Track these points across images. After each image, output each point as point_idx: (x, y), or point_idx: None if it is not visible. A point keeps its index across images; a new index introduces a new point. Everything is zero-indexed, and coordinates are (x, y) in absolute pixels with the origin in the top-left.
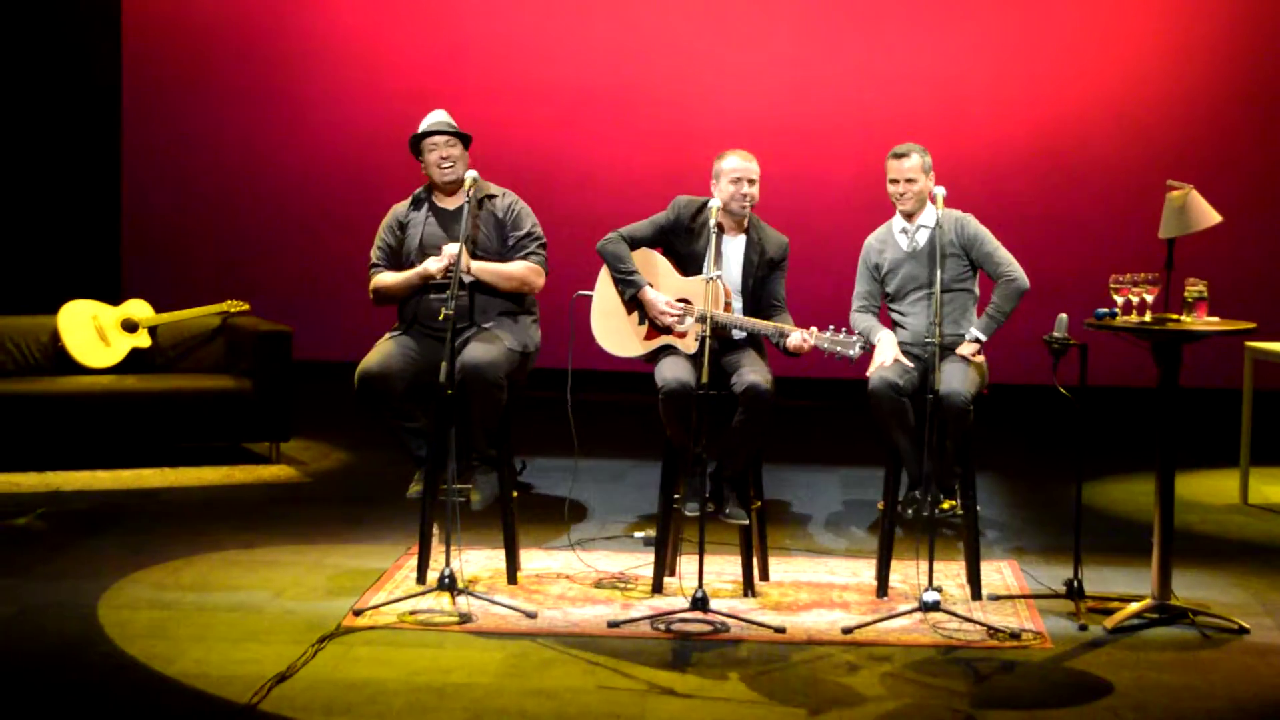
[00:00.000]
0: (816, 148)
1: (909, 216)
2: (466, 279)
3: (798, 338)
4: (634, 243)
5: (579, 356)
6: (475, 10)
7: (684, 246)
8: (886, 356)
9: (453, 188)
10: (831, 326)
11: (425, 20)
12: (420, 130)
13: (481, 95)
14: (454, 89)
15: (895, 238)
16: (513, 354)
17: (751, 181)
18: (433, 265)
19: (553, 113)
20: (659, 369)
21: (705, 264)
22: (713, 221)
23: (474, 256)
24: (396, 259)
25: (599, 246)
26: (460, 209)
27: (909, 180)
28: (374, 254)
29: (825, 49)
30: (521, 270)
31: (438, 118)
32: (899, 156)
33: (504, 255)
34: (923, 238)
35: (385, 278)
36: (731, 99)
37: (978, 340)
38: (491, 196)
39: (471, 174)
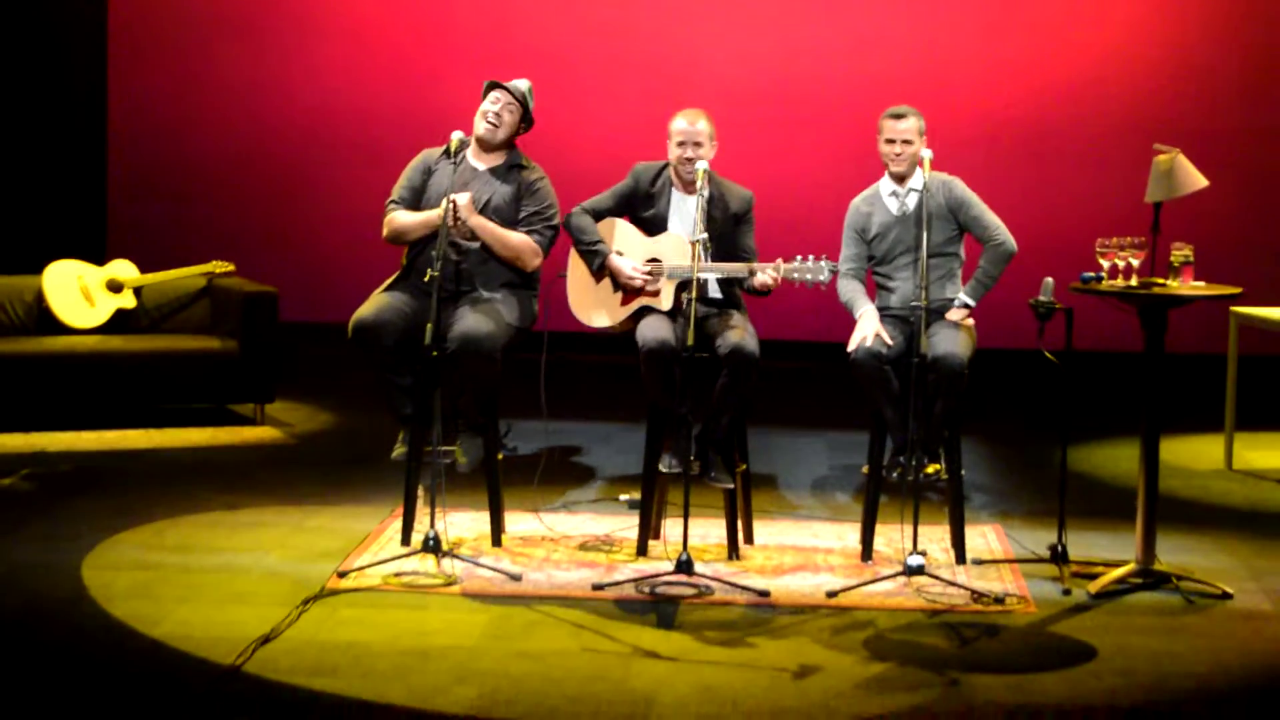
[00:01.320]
0: (803, 115)
1: (900, 179)
2: (463, 240)
3: (765, 274)
4: (598, 214)
5: (568, 318)
6: None
7: (645, 211)
8: (868, 331)
9: (488, 146)
10: (798, 256)
11: None
12: (500, 82)
13: (463, 61)
14: (437, 53)
15: (884, 201)
16: (511, 328)
17: (698, 144)
18: (435, 214)
19: (536, 78)
20: (639, 329)
21: (678, 225)
22: (700, 183)
23: (487, 218)
24: (417, 202)
25: (564, 221)
26: (490, 170)
27: (905, 141)
28: (395, 191)
29: (811, 16)
30: (519, 242)
31: (519, 83)
32: (896, 117)
33: (514, 227)
34: (913, 201)
35: (402, 217)
36: (717, 67)
37: (966, 305)
38: (523, 167)
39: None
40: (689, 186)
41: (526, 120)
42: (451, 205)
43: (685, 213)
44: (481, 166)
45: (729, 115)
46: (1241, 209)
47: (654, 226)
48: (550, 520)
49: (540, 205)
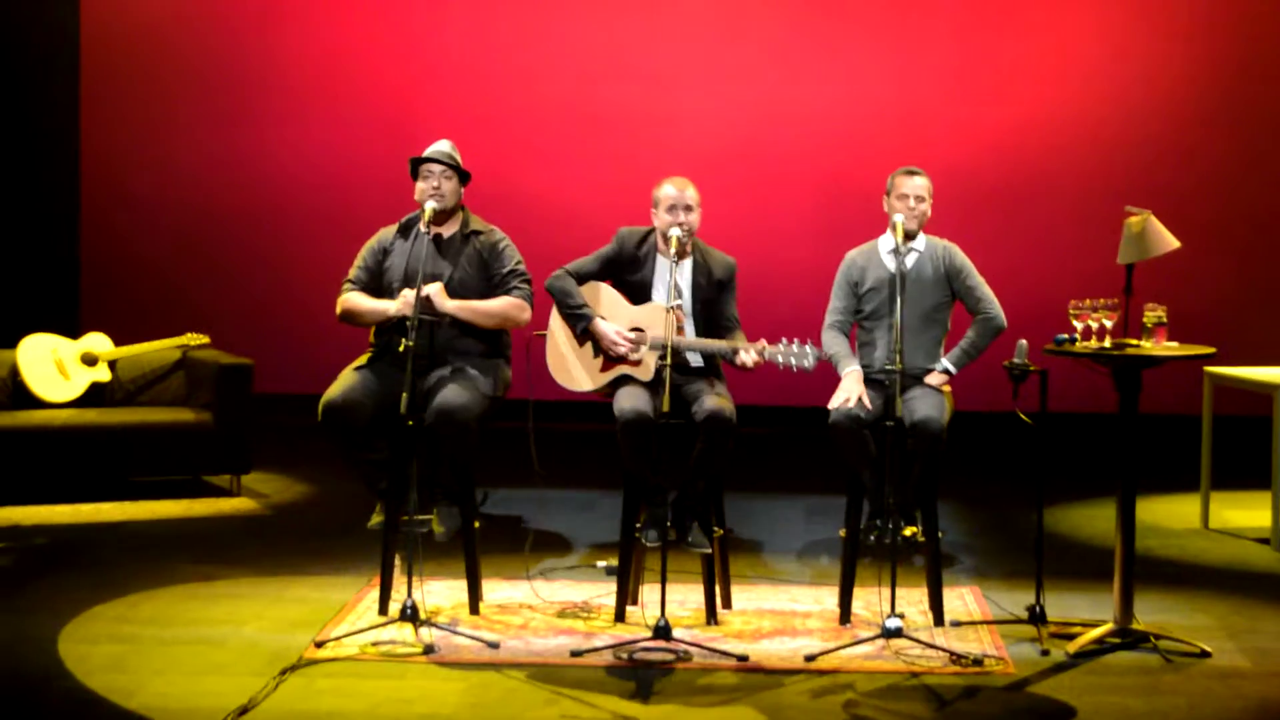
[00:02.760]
0: (777, 174)
1: (908, 237)
2: (430, 318)
3: (750, 354)
4: (581, 278)
5: (546, 385)
6: (438, 43)
7: (631, 275)
8: (851, 393)
9: (438, 218)
10: (784, 339)
11: (389, 52)
12: (423, 155)
13: (443, 126)
14: (417, 121)
15: (882, 257)
16: (486, 399)
17: (688, 209)
18: (393, 307)
19: (515, 142)
20: (617, 399)
21: (662, 292)
22: (672, 250)
23: (450, 291)
24: (375, 283)
25: (546, 284)
26: (451, 239)
27: (919, 198)
28: (351, 271)
29: (786, 77)
30: (502, 306)
31: (441, 147)
32: (911, 174)
33: (486, 294)
34: (911, 260)
35: (355, 299)
36: (691, 131)
37: (947, 371)
38: (478, 233)
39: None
40: (680, 252)
41: (463, 177)
42: (423, 299)
43: (670, 279)
44: (439, 235)
45: (704, 178)
46: (1214, 269)
47: (639, 291)
48: (528, 587)
49: (511, 264)
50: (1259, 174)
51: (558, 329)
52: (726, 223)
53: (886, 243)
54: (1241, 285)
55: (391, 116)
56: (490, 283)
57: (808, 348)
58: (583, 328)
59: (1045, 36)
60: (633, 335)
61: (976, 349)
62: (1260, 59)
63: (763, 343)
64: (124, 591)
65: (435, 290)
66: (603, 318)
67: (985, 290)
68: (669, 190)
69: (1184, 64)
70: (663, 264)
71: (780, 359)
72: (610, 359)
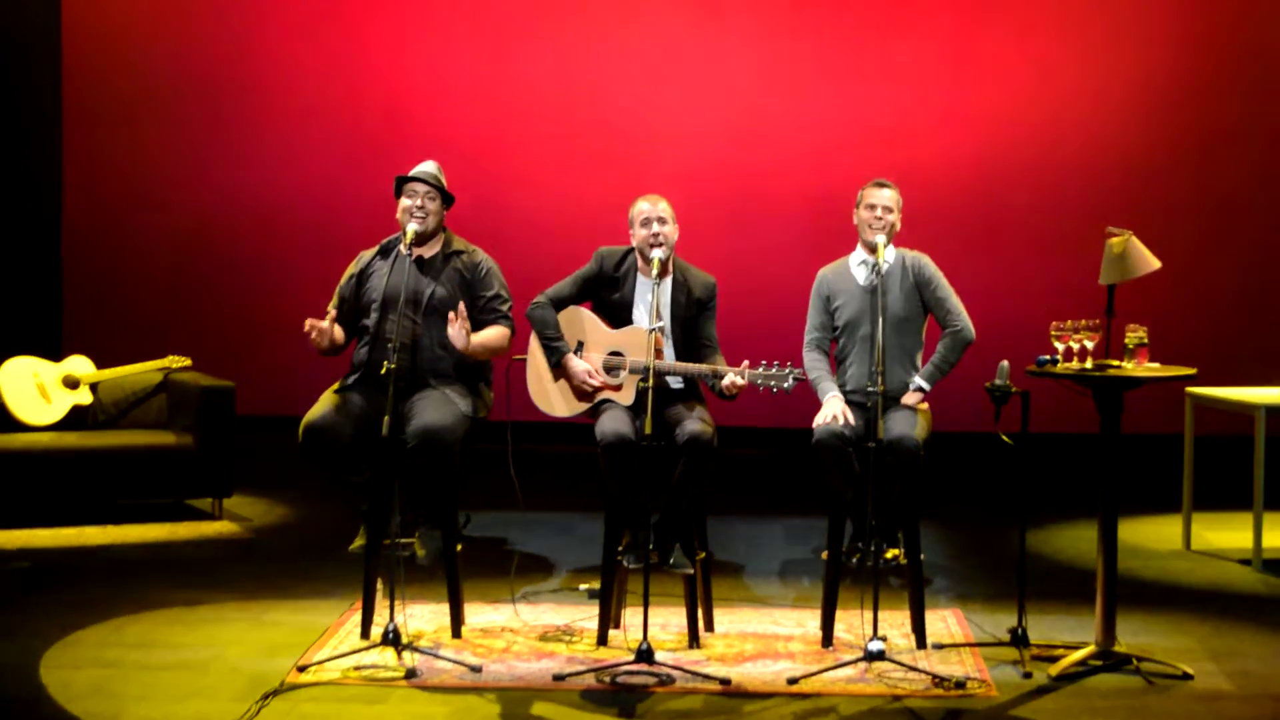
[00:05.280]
0: (758, 190)
1: (873, 249)
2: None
3: (730, 378)
4: (560, 302)
5: (528, 408)
6: (422, 65)
7: (610, 295)
8: (835, 412)
9: (419, 240)
10: (764, 362)
11: (373, 74)
12: (409, 175)
13: (426, 146)
14: (401, 142)
15: (852, 271)
16: (467, 420)
17: (662, 220)
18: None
19: (497, 159)
20: (598, 423)
21: (643, 310)
22: (654, 271)
23: (432, 310)
24: (350, 311)
25: (527, 313)
26: (432, 259)
27: (886, 209)
28: (330, 304)
29: (766, 93)
30: (498, 339)
31: (426, 168)
32: (881, 186)
33: (468, 314)
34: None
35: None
36: (672, 149)
37: (921, 389)
38: (460, 253)
39: None
40: (660, 271)
41: (446, 199)
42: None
43: (651, 296)
44: (420, 256)
45: (684, 195)
46: (1196, 290)
47: (619, 311)
48: (510, 611)
49: (495, 287)
50: (1241, 194)
51: (537, 354)
52: (707, 239)
53: (857, 256)
54: (1223, 306)
55: (375, 137)
56: (473, 304)
57: (787, 370)
58: (555, 361)
59: (1027, 55)
60: (602, 379)
61: (948, 364)
62: (1240, 78)
63: (744, 366)
64: (106, 616)
65: (457, 334)
66: (581, 342)
67: (955, 302)
68: (642, 206)
69: (1165, 82)
70: (643, 283)
71: (760, 382)
72: (584, 393)
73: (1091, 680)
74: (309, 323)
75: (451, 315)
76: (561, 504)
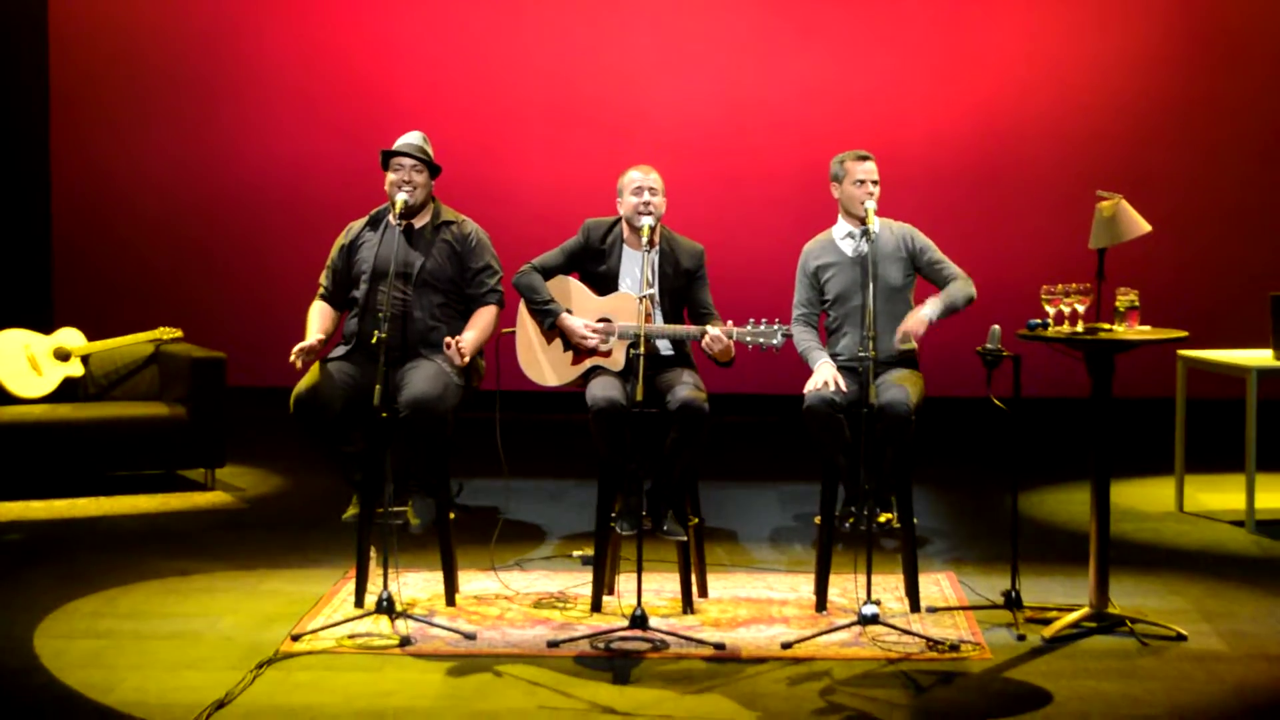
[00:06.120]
0: (748, 164)
1: (863, 220)
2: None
3: (713, 331)
4: (547, 272)
5: (518, 377)
6: (409, 38)
7: (596, 267)
8: (826, 377)
9: (408, 211)
10: (751, 320)
11: (361, 47)
12: (393, 148)
13: (414, 119)
14: (389, 115)
15: (838, 244)
16: (459, 389)
17: (653, 190)
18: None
19: (485, 133)
20: (589, 388)
21: (629, 283)
22: (644, 240)
23: (422, 282)
24: (344, 284)
25: (514, 281)
26: (422, 229)
27: (875, 181)
28: (322, 276)
29: (757, 65)
30: (488, 327)
31: (411, 139)
32: (863, 158)
33: (458, 284)
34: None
35: (314, 314)
36: (662, 119)
37: (928, 317)
38: (449, 223)
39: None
40: (647, 241)
41: (433, 170)
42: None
43: (637, 268)
44: (409, 226)
45: (675, 168)
46: (1186, 253)
47: (605, 282)
48: (504, 578)
49: (485, 259)
50: (1230, 157)
51: (527, 324)
52: (698, 212)
53: (842, 228)
54: (1214, 268)
55: (363, 110)
56: (463, 275)
57: (775, 326)
58: (550, 323)
59: (1015, 22)
60: (600, 326)
61: (954, 303)
62: (1228, 44)
63: (730, 324)
64: (100, 586)
65: (454, 354)
66: (569, 311)
67: (951, 265)
68: (634, 175)
69: (1153, 49)
70: (629, 254)
71: (749, 339)
72: (580, 352)
73: (1085, 642)
74: (295, 351)
75: (447, 342)
76: (554, 471)
